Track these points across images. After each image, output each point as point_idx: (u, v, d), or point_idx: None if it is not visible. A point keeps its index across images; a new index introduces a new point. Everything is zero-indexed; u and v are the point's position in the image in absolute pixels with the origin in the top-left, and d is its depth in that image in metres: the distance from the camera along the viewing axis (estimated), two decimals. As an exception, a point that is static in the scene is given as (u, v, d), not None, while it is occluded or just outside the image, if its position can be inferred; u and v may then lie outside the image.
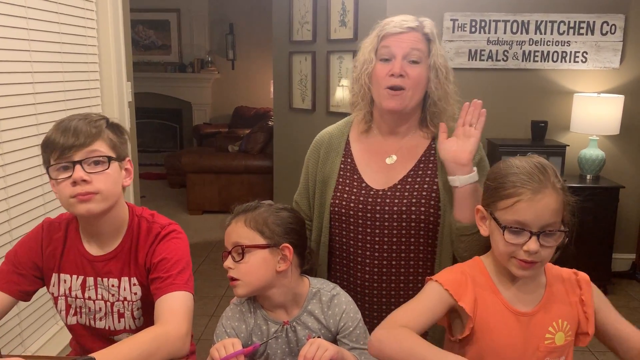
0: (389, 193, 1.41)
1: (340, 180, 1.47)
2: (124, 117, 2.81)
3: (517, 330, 1.15)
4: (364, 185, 1.44)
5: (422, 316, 1.14)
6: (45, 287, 1.39)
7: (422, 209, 1.40)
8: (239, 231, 1.26)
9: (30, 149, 2.10)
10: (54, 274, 1.35)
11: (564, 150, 3.29)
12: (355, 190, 1.44)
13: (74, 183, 1.20)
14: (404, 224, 1.40)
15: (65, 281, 1.35)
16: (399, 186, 1.42)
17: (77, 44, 2.43)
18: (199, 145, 6.83)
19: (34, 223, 2.11)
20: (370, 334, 1.16)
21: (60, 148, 1.20)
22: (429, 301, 1.16)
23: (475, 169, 1.35)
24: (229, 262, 1.25)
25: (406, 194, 1.41)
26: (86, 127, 1.22)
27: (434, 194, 1.40)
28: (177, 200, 5.58)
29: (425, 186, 1.41)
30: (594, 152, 3.34)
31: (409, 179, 1.43)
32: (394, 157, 1.46)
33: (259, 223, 1.26)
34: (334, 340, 1.28)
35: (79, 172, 1.20)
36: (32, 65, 2.11)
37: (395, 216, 1.40)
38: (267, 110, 7.05)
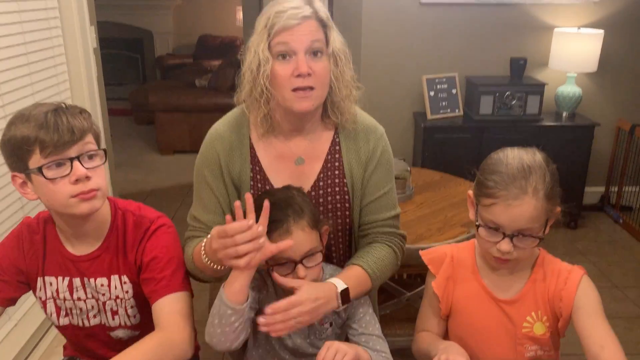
0: None
1: (252, 192, 1.35)
2: (89, 65, 2.65)
3: (493, 313, 1.20)
4: None
5: (434, 316, 1.27)
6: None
7: (339, 212, 1.36)
8: (310, 238, 1.18)
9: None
10: (38, 277, 1.28)
11: (542, 89, 3.26)
12: None
13: (77, 181, 1.11)
14: None
15: (51, 284, 1.28)
16: (312, 193, 1.35)
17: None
18: (163, 78, 6.57)
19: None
20: None
21: (53, 145, 1.08)
22: (430, 299, 1.27)
23: (339, 299, 1.19)
24: (303, 272, 1.18)
25: (321, 200, 1.35)
26: (79, 120, 1.11)
27: (346, 196, 1.35)
28: (146, 139, 5.42)
29: (337, 189, 1.35)
30: (571, 89, 3.34)
31: (320, 183, 1.35)
32: (302, 159, 1.36)
33: (314, 220, 1.20)
34: (343, 325, 1.28)
35: (81, 169, 1.11)
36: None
37: None
38: (234, 40, 6.77)
